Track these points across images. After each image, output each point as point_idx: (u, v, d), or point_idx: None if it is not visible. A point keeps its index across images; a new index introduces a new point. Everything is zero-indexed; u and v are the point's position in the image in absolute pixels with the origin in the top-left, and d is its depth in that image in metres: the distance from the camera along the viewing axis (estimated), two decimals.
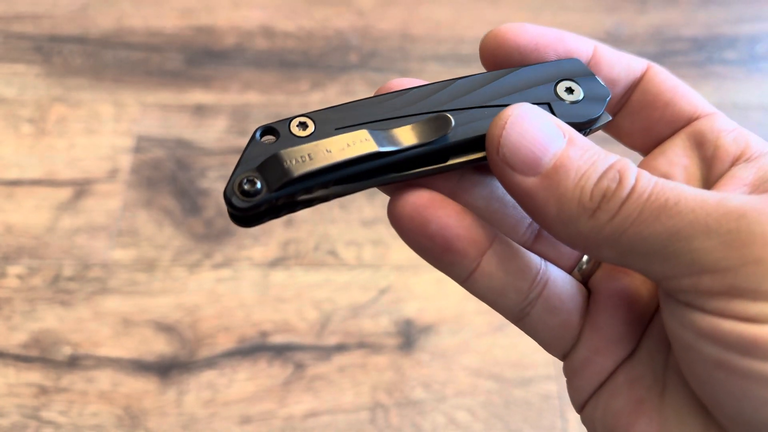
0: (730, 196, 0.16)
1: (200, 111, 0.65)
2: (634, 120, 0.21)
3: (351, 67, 0.68)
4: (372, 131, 0.18)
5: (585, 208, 0.16)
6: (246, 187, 0.18)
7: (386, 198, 0.20)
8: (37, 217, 0.59)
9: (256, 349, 0.53)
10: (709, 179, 0.19)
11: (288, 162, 0.18)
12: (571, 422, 0.51)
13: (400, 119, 0.19)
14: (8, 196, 0.60)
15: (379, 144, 0.18)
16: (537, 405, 0.51)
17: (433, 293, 0.55)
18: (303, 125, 0.19)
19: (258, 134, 0.19)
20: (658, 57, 0.70)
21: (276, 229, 0.58)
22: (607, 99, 0.20)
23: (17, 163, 0.62)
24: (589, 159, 0.17)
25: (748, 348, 0.15)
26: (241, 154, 0.19)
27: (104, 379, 0.52)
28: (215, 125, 0.64)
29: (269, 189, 0.18)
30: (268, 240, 0.58)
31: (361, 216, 0.59)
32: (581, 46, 0.21)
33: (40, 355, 0.53)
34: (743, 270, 0.15)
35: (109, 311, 0.54)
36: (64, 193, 0.60)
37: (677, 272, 0.16)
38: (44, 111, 0.65)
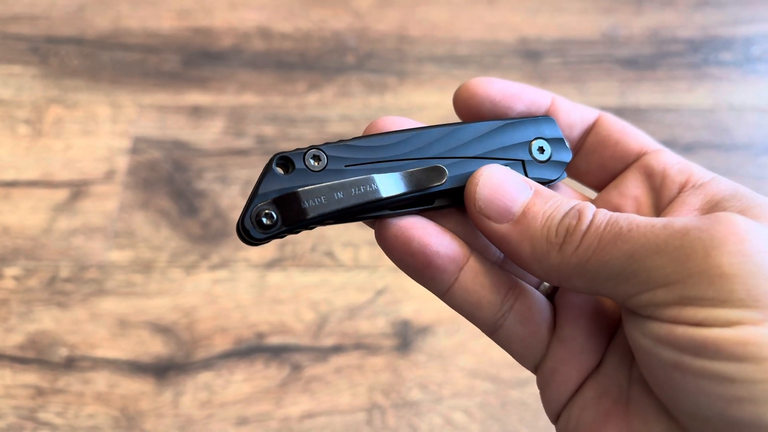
0: (675, 219, 0.18)
1: (197, 112, 0.65)
2: (589, 160, 0.24)
3: (348, 68, 0.68)
4: (378, 176, 0.21)
5: (552, 244, 0.19)
6: (264, 221, 0.20)
7: None
8: (33, 219, 0.59)
9: (252, 350, 0.53)
10: (659, 206, 0.22)
11: (305, 202, 0.20)
12: None
13: (402, 162, 0.21)
14: (5, 197, 0.60)
15: (383, 191, 0.20)
16: (533, 406, 0.51)
17: (429, 294, 0.55)
18: (317, 158, 0.21)
19: (274, 164, 0.21)
20: (654, 58, 0.70)
21: None
22: (568, 161, 0.23)
23: (14, 164, 0.62)
24: (553, 204, 0.20)
25: (698, 350, 0.16)
26: (257, 183, 0.21)
27: (101, 380, 0.52)
28: (212, 126, 0.64)
29: (284, 223, 0.20)
30: None
31: None
32: (540, 98, 0.24)
33: (37, 356, 0.53)
34: (689, 281, 0.17)
35: (106, 312, 0.54)
36: (61, 195, 0.60)
37: (636, 290, 0.17)
38: (41, 112, 0.65)
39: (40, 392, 0.51)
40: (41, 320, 0.54)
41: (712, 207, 0.20)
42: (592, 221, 0.18)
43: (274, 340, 0.54)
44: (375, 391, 0.52)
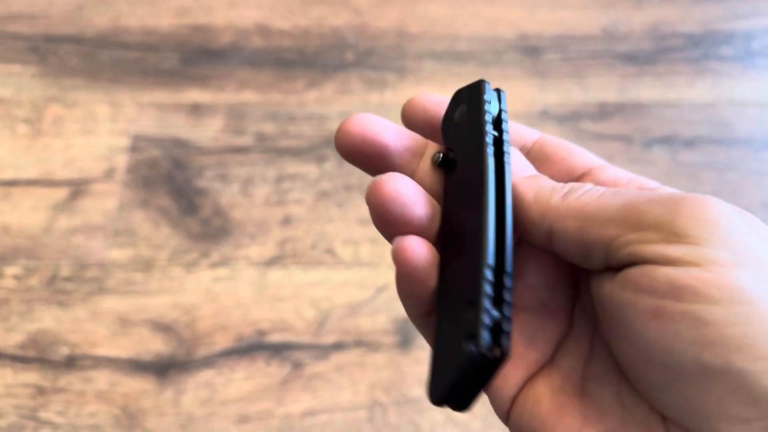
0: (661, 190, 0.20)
1: (196, 110, 0.65)
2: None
3: (347, 65, 0.68)
4: None
5: (557, 191, 0.21)
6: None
7: None
8: (33, 218, 0.59)
9: (253, 348, 0.53)
10: None
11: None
12: None
13: None
14: (5, 196, 0.60)
15: None
16: None
17: None
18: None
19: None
20: (655, 54, 0.70)
21: (273, 227, 0.58)
22: None
23: (13, 163, 0.62)
24: (552, 181, 0.22)
25: (677, 292, 0.17)
26: (461, 370, 0.19)
27: (102, 379, 0.52)
28: (211, 124, 0.64)
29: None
30: (265, 239, 0.58)
31: (358, 214, 0.59)
32: None
33: (38, 355, 0.53)
34: (678, 222, 0.18)
35: (107, 311, 0.54)
36: (61, 194, 0.60)
37: (626, 230, 0.19)
38: (40, 111, 0.65)
39: (41, 391, 0.51)
40: (42, 319, 0.54)
41: None
42: (594, 186, 0.20)
43: (275, 337, 0.54)
44: (376, 388, 0.52)
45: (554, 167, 0.24)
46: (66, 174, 0.61)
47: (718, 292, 0.17)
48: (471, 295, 0.19)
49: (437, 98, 0.24)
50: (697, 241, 0.17)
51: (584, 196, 0.20)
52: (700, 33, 0.71)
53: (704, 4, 0.73)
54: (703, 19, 0.72)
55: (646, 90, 0.67)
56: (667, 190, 0.21)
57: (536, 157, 0.25)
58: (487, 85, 0.23)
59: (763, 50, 0.70)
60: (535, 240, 0.21)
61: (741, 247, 0.17)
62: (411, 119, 0.25)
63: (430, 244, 0.21)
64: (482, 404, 0.51)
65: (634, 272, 0.18)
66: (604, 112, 0.66)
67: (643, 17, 0.72)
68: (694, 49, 0.70)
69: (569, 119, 0.65)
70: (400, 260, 0.20)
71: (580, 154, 0.24)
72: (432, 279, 0.20)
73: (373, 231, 0.58)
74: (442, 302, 0.20)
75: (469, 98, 0.23)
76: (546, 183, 0.21)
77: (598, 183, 0.23)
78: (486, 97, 0.22)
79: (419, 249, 0.20)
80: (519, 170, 0.22)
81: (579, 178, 0.24)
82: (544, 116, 0.65)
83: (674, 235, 0.18)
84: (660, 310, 0.18)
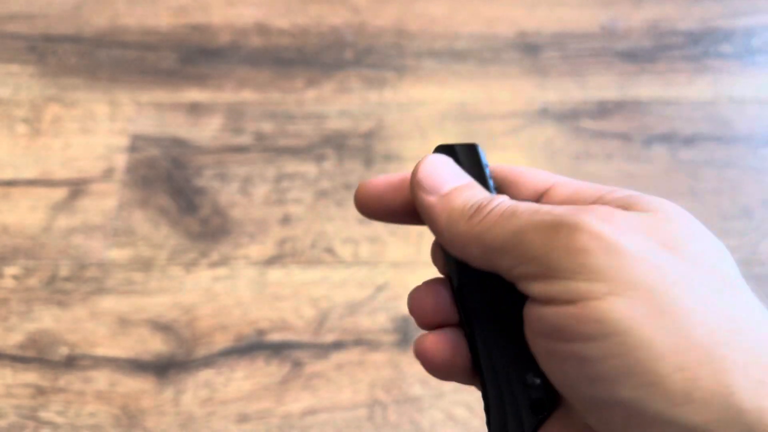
0: (560, 206, 0.20)
1: (195, 109, 0.65)
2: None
3: (346, 64, 0.68)
4: None
5: (464, 215, 0.21)
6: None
7: None
8: (32, 218, 0.59)
9: (253, 347, 0.53)
10: None
11: None
12: None
13: None
14: (3, 196, 0.60)
15: None
16: None
17: None
18: None
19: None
20: (654, 51, 0.70)
21: (272, 227, 0.58)
22: None
23: (12, 163, 0.62)
24: (477, 192, 0.22)
25: (560, 334, 0.18)
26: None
27: (101, 379, 0.52)
28: (210, 124, 0.64)
29: None
30: (264, 238, 0.58)
31: (358, 213, 0.59)
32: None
33: (37, 355, 0.53)
34: (552, 255, 0.18)
35: (106, 311, 0.54)
36: (60, 193, 0.60)
37: (514, 262, 0.19)
38: (39, 111, 0.65)
39: (40, 391, 0.51)
40: (41, 319, 0.54)
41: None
42: (499, 204, 0.21)
43: (275, 337, 0.54)
44: (376, 387, 0.52)
45: (511, 190, 0.24)
46: (65, 174, 0.61)
47: (592, 328, 0.17)
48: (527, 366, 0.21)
49: (387, 180, 0.25)
50: (570, 275, 0.18)
51: (486, 219, 0.20)
52: (700, 30, 0.71)
53: (704, 1, 0.73)
54: (702, 16, 0.72)
55: (645, 88, 0.67)
56: (617, 193, 0.21)
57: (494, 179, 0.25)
58: (480, 150, 0.24)
59: (762, 47, 0.70)
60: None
61: (613, 273, 0.17)
62: (366, 207, 0.25)
63: (449, 339, 0.23)
64: (481, 403, 0.51)
65: (529, 312, 0.19)
66: (604, 109, 0.66)
67: (643, 15, 0.72)
68: (693, 47, 0.70)
69: (568, 117, 0.65)
70: (422, 362, 0.23)
71: (539, 174, 0.25)
72: (455, 367, 0.23)
73: (372, 230, 0.58)
74: (490, 367, 0.23)
75: (470, 165, 0.24)
76: (458, 203, 0.21)
77: (557, 198, 0.23)
78: (485, 161, 0.24)
79: (438, 348, 0.22)
80: (438, 185, 0.22)
81: (542, 195, 0.24)
82: (543, 114, 0.65)
83: (550, 270, 0.18)
84: (551, 351, 0.19)
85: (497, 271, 0.20)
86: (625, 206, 0.20)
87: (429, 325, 0.24)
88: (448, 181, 0.22)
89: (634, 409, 0.17)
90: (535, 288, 0.19)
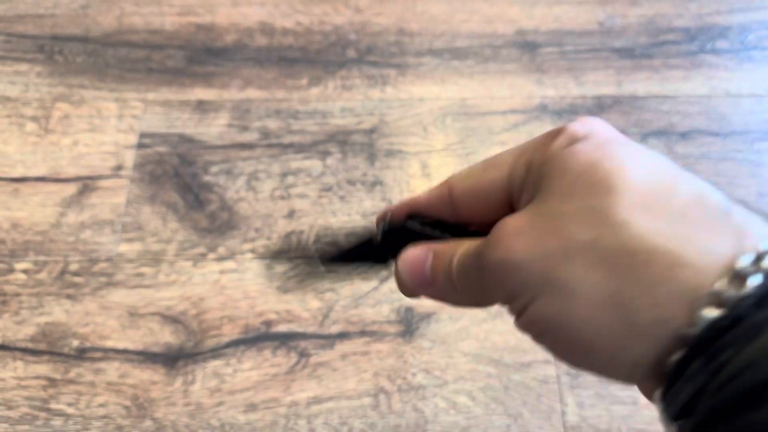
0: (479, 244, 0.22)
1: (201, 107, 0.66)
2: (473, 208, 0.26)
3: (349, 62, 0.69)
4: None
5: (452, 288, 0.23)
6: None
7: (384, 192, 0.26)
8: (42, 214, 0.60)
9: (260, 338, 0.54)
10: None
11: None
12: (569, 405, 0.52)
13: None
14: (14, 193, 0.61)
15: None
16: (536, 389, 0.52)
17: None
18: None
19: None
20: (651, 48, 0.70)
21: (278, 222, 0.59)
22: None
23: (22, 160, 0.63)
24: (444, 262, 0.23)
25: (530, 335, 0.21)
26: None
27: (112, 370, 0.53)
28: (216, 121, 0.65)
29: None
30: (270, 233, 0.59)
31: (361, 208, 0.60)
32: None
33: (48, 348, 0.54)
34: (491, 291, 0.21)
35: (116, 304, 0.55)
36: (69, 190, 0.61)
37: (494, 300, 0.22)
38: (48, 109, 0.66)
39: (52, 383, 0.52)
40: (52, 313, 0.55)
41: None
42: (457, 266, 0.23)
43: (281, 328, 0.54)
44: (380, 376, 0.53)
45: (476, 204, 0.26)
46: (74, 171, 0.62)
47: (535, 328, 0.21)
48: None
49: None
50: (509, 299, 0.21)
51: (459, 285, 0.23)
52: (696, 27, 0.72)
53: None
54: (698, 13, 0.73)
55: (642, 83, 0.68)
56: (477, 245, 0.22)
57: (463, 203, 0.26)
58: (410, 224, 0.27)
59: (758, 43, 0.71)
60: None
61: (522, 284, 0.20)
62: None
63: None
64: (484, 392, 0.52)
65: (517, 323, 0.22)
66: (601, 105, 0.66)
67: (639, 12, 0.73)
68: (689, 43, 0.71)
69: (567, 113, 0.66)
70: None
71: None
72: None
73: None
74: None
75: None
76: (443, 286, 0.23)
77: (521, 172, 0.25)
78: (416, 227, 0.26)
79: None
80: (420, 281, 0.24)
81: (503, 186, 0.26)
82: (542, 110, 0.66)
83: (500, 299, 0.21)
84: (540, 343, 0.21)
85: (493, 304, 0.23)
86: (535, 185, 0.22)
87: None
88: (424, 270, 0.24)
89: (591, 361, 0.20)
90: (509, 309, 0.22)
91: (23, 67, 0.68)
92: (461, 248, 0.23)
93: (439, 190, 0.26)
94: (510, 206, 0.24)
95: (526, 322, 0.20)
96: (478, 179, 0.25)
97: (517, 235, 0.20)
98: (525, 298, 0.20)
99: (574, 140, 0.21)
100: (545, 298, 0.20)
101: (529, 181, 0.22)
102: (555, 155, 0.21)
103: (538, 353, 0.53)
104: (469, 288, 0.22)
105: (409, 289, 0.25)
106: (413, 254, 0.25)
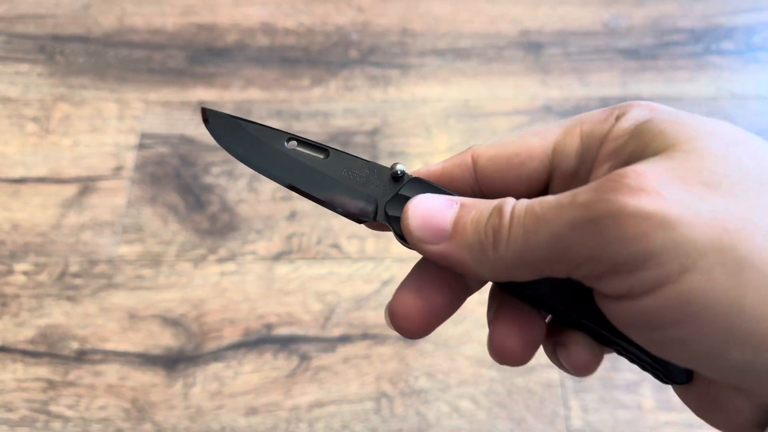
0: (578, 191, 0.18)
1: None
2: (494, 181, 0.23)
3: (351, 62, 0.69)
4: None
5: (486, 245, 0.19)
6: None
7: None
8: (42, 215, 0.59)
9: (261, 341, 0.54)
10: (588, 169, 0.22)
11: None
12: (573, 410, 0.51)
13: None
14: (14, 194, 0.61)
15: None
16: (539, 393, 0.52)
17: None
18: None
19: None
20: (656, 48, 0.70)
21: (279, 223, 0.59)
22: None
23: (22, 161, 0.62)
24: (477, 210, 0.20)
25: (648, 326, 0.17)
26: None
27: (111, 373, 0.52)
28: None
29: None
30: (271, 234, 0.59)
31: None
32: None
33: (48, 350, 0.53)
34: (608, 251, 0.17)
35: (116, 306, 0.55)
36: (70, 191, 0.61)
37: (570, 267, 0.18)
38: (48, 110, 0.65)
39: (51, 385, 0.52)
40: (52, 314, 0.55)
41: (618, 154, 0.20)
42: (512, 215, 0.19)
43: (282, 331, 0.54)
44: (382, 380, 0.52)
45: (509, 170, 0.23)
46: (74, 171, 0.62)
47: (678, 313, 0.16)
48: None
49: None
50: (635, 266, 0.16)
51: (512, 238, 0.19)
52: (702, 27, 0.72)
53: None
54: (704, 13, 0.73)
55: (647, 85, 0.68)
56: (582, 192, 0.18)
57: (487, 172, 0.23)
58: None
59: (764, 44, 0.70)
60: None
61: (675, 249, 0.16)
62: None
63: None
64: (487, 396, 0.51)
65: (607, 307, 0.18)
66: (606, 106, 0.66)
67: (645, 12, 0.73)
68: (695, 44, 0.70)
69: (571, 114, 0.65)
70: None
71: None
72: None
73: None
74: None
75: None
76: (471, 238, 0.20)
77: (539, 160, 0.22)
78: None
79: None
80: (438, 229, 0.21)
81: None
82: (546, 112, 0.66)
83: (612, 266, 0.17)
84: (648, 339, 0.18)
85: (555, 276, 0.19)
86: (639, 149, 0.19)
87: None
88: (444, 217, 0.21)
89: (751, 368, 0.16)
90: (605, 286, 0.18)
91: (24, 67, 0.68)
92: (520, 200, 0.19)
93: (459, 158, 0.22)
94: (545, 181, 0.22)
95: (664, 299, 0.16)
96: (512, 148, 0.22)
97: (673, 187, 0.16)
98: (670, 267, 0.16)
99: (653, 111, 0.19)
100: (710, 272, 0.15)
101: (609, 149, 0.19)
102: (663, 120, 0.18)
103: (542, 357, 0.52)
104: (534, 247, 0.18)
105: (414, 239, 0.21)
106: (431, 202, 0.21)
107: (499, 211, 0.19)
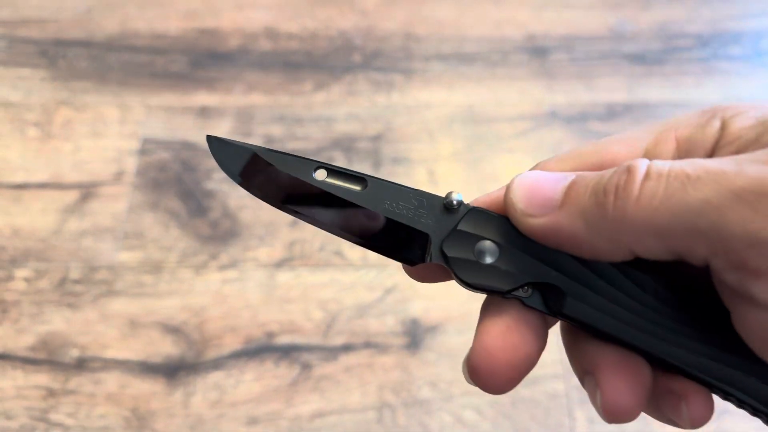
0: (743, 159, 0.15)
1: (205, 113, 0.65)
2: None
3: (354, 67, 0.68)
4: None
5: (605, 204, 0.16)
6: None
7: None
8: (43, 220, 0.59)
9: (262, 349, 0.53)
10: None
11: None
12: (578, 420, 0.50)
13: None
14: (15, 199, 0.60)
15: None
16: (544, 403, 0.51)
17: (438, 292, 0.55)
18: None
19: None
20: (663, 54, 0.69)
21: (281, 229, 0.59)
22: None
23: (24, 166, 0.62)
24: (595, 175, 0.17)
25: None
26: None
27: (111, 381, 0.52)
28: (220, 127, 0.64)
29: None
30: (273, 241, 0.58)
31: None
32: None
33: (48, 357, 0.53)
34: None
35: (116, 313, 0.55)
36: (71, 196, 0.60)
37: (716, 250, 0.15)
38: (50, 114, 0.65)
39: (51, 393, 0.52)
40: (52, 321, 0.54)
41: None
42: (648, 171, 0.16)
43: (284, 339, 0.54)
44: (385, 389, 0.52)
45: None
46: (75, 177, 0.61)
47: None
48: None
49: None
50: None
51: (644, 197, 0.16)
52: (709, 32, 0.71)
53: (712, 3, 0.73)
54: (711, 18, 0.72)
55: (654, 90, 0.67)
56: (752, 164, 0.15)
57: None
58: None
59: None
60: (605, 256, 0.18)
61: None
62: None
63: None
64: (491, 406, 0.51)
65: (747, 316, 0.16)
66: (612, 112, 0.66)
67: (651, 17, 0.72)
68: (702, 49, 0.70)
69: (577, 120, 0.65)
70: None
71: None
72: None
73: None
74: None
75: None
76: (583, 196, 0.17)
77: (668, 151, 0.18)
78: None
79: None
80: (547, 195, 0.18)
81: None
82: (551, 117, 0.65)
83: None
84: None
85: (687, 255, 0.16)
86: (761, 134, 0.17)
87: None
88: (554, 186, 0.18)
89: None
90: (758, 289, 0.15)
91: (26, 72, 0.68)
92: (658, 160, 0.16)
93: None
94: None
95: None
96: (592, 159, 0.19)
97: None
98: None
99: (760, 108, 0.17)
100: None
101: (731, 151, 0.16)
102: None
103: (547, 368, 0.52)
104: (676, 211, 0.15)
105: (518, 212, 0.18)
106: (540, 174, 0.18)
107: (627, 168, 0.16)
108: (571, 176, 0.18)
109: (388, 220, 0.21)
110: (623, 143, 0.19)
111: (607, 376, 0.18)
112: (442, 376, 0.52)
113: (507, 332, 0.19)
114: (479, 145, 0.64)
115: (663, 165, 0.16)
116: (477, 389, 0.20)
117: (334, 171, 0.22)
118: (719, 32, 0.71)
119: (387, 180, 0.21)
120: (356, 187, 0.21)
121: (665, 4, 0.73)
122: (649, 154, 0.18)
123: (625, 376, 0.18)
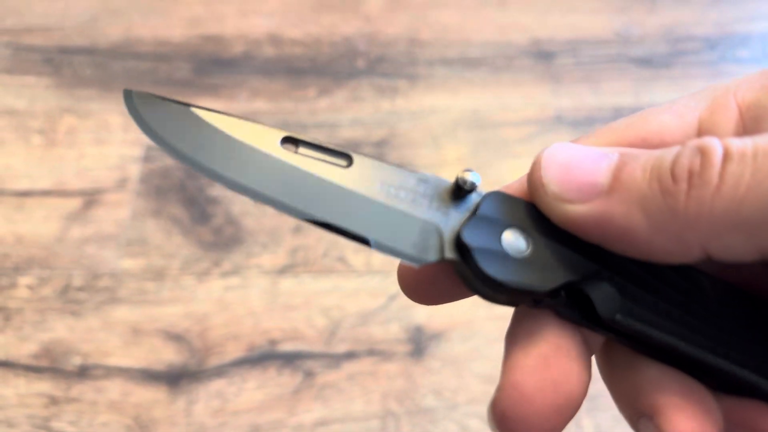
0: None
1: None
2: None
3: (359, 72, 0.68)
4: None
5: (676, 192, 0.13)
6: None
7: None
8: (46, 228, 0.59)
9: (265, 357, 0.53)
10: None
11: None
12: (586, 428, 0.50)
13: None
14: (18, 206, 0.60)
15: None
16: None
17: None
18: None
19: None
20: (670, 57, 0.69)
21: (284, 236, 0.58)
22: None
23: (27, 173, 0.62)
24: (652, 155, 0.14)
25: None
26: None
27: (114, 388, 0.52)
28: None
29: None
30: (276, 247, 0.58)
31: None
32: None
33: (51, 365, 0.53)
34: None
35: (119, 321, 0.55)
36: (74, 203, 0.60)
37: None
38: (54, 122, 0.65)
39: (53, 401, 0.51)
40: (55, 329, 0.54)
41: None
42: (727, 151, 0.13)
43: (287, 346, 0.53)
44: (389, 397, 0.51)
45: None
46: (79, 184, 0.62)
47: None
48: None
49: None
50: None
51: (726, 184, 0.13)
52: (716, 35, 0.71)
53: (720, 5, 0.72)
54: (718, 20, 0.72)
55: (661, 94, 0.67)
56: None
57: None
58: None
59: None
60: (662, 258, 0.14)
61: None
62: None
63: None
64: None
65: None
66: (619, 116, 0.65)
67: (657, 20, 0.72)
68: (710, 52, 0.69)
69: (583, 124, 0.65)
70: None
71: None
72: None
73: None
74: None
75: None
76: (642, 181, 0.14)
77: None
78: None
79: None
80: (589, 178, 0.14)
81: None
82: (557, 121, 0.65)
83: None
84: None
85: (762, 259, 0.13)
86: None
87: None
88: (597, 167, 0.14)
89: None
90: None
91: (30, 79, 0.68)
92: (736, 138, 0.13)
93: None
94: None
95: None
96: (635, 132, 0.16)
97: None
98: None
99: None
100: None
101: None
102: None
103: None
104: (763, 204, 0.12)
105: (550, 196, 0.14)
106: (574, 149, 0.15)
107: (699, 148, 0.13)
108: (614, 153, 0.14)
109: (381, 206, 0.16)
110: (671, 112, 0.16)
111: (672, 420, 0.14)
112: (446, 384, 0.52)
113: (545, 365, 0.15)
114: (484, 150, 0.63)
115: (744, 143, 0.13)
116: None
117: (307, 144, 0.17)
118: (727, 35, 0.71)
119: (377, 158, 0.17)
120: (342, 162, 0.17)
121: (672, 7, 0.72)
122: (704, 125, 0.15)
123: (694, 415, 0.14)
